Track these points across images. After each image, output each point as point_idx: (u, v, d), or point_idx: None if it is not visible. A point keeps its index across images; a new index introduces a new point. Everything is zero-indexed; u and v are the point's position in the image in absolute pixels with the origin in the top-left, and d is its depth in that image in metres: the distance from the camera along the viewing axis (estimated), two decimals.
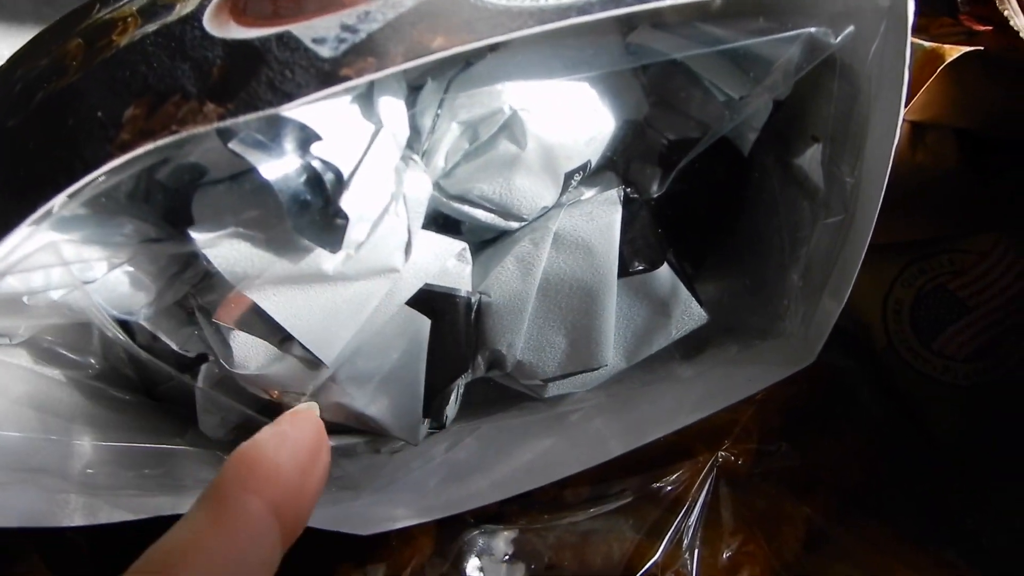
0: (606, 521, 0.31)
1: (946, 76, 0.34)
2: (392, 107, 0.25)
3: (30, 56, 0.33)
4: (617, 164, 0.30)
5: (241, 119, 0.20)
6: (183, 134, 0.20)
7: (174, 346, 0.28)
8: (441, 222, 0.29)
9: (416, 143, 0.27)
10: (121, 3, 0.32)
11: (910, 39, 0.24)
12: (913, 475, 0.37)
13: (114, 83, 0.25)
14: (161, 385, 0.30)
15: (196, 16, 0.27)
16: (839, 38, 0.24)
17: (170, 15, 0.28)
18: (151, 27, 0.28)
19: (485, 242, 0.30)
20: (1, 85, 0.33)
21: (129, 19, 0.30)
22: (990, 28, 0.44)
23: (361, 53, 0.21)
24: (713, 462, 0.32)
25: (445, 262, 0.28)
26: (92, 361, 0.29)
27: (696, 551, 0.30)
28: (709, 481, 0.31)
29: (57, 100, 0.27)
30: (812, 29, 0.24)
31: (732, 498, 0.32)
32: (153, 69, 0.25)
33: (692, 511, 0.31)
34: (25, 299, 0.25)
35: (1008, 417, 0.37)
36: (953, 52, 0.34)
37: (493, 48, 0.26)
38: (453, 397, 0.29)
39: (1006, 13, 0.40)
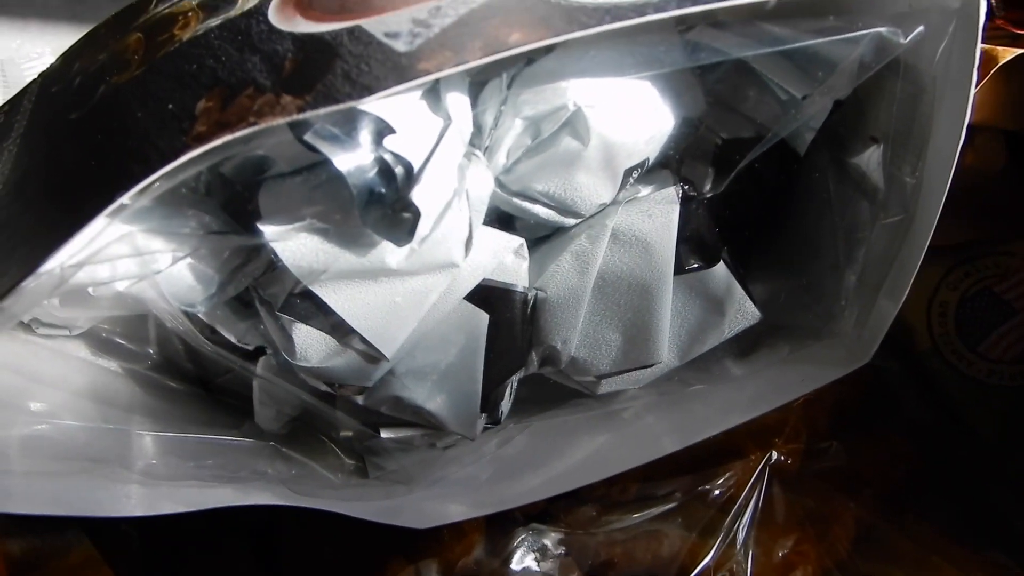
0: (656, 522, 0.31)
1: (998, 78, 0.34)
2: (459, 103, 0.25)
3: (86, 51, 0.33)
4: (672, 161, 0.30)
5: (321, 111, 0.20)
6: (262, 125, 0.21)
7: (232, 339, 0.28)
8: (495, 216, 0.29)
9: (478, 139, 0.27)
10: None
11: (980, 40, 0.23)
12: (959, 476, 0.37)
13: (181, 76, 0.25)
14: (218, 378, 0.30)
15: (260, 10, 0.27)
16: (908, 39, 0.24)
17: (232, 9, 0.28)
18: (214, 21, 0.28)
19: (540, 238, 0.30)
20: (57, 81, 0.33)
21: (190, 13, 0.30)
22: None
23: (437, 47, 0.21)
24: (766, 461, 0.32)
25: (503, 258, 0.28)
26: (150, 351, 0.30)
27: (750, 551, 0.30)
28: (761, 482, 0.31)
29: (123, 93, 0.27)
30: (881, 29, 0.24)
31: (784, 497, 0.32)
32: (222, 63, 0.25)
33: (745, 511, 0.31)
34: (90, 290, 0.25)
35: None
36: (1007, 54, 0.34)
37: (556, 44, 0.26)
38: (508, 392, 0.29)
39: None
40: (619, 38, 0.21)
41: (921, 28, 0.24)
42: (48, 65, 0.47)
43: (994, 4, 0.47)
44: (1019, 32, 0.45)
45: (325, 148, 0.22)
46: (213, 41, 0.26)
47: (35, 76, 0.47)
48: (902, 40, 0.24)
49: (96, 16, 0.55)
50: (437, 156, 0.24)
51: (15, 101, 0.35)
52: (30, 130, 0.30)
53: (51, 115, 0.30)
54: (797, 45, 0.24)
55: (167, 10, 0.32)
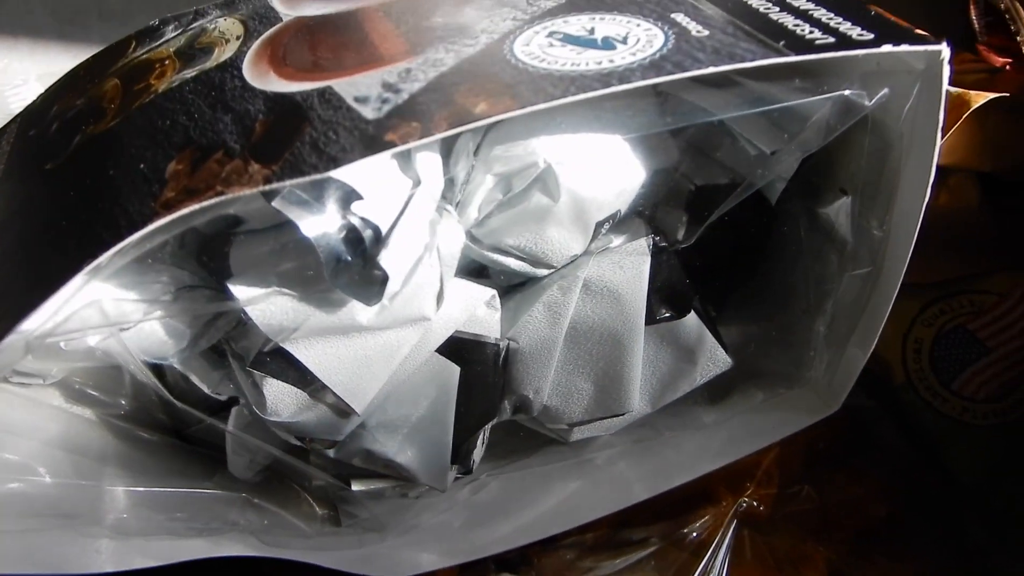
0: (632, 569, 0.31)
1: (971, 121, 0.34)
2: (429, 162, 0.25)
3: (65, 94, 0.33)
4: (645, 210, 0.30)
5: (288, 183, 0.20)
6: (229, 195, 0.21)
7: (205, 389, 0.28)
8: (467, 267, 0.30)
9: (449, 193, 0.27)
10: (158, 43, 0.32)
11: (944, 102, 0.24)
12: (934, 514, 0.37)
13: (155, 132, 0.25)
14: (191, 427, 0.30)
15: (235, 63, 0.27)
16: (873, 100, 0.24)
17: (208, 60, 0.29)
18: (189, 72, 0.28)
19: (512, 287, 0.30)
20: (36, 122, 0.33)
21: (167, 61, 0.30)
22: (1010, 61, 0.45)
23: (405, 116, 0.21)
24: (736, 507, 0.32)
25: (475, 310, 0.28)
26: (123, 402, 0.30)
27: None
28: (733, 526, 0.32)
29: (97, 146, 0.27)
30: (847, 92, 0.24)
31: (754, 541, 0.32)
32: (194, 120, 0.25)
33: (717, 555, 0.31)
34: (62, 344, 0.26)
35: None
36: (979, 98, 0.34)
37: None
38: (480, 442, 0.30)
39: (1020, 41, 0.40)
40: (586, 104, 0.21)
41: (886, 90, 0.24)
42: (30, 101, 0.48)
43: (976, 29, 0.47)
44: (999, 61, 0.45)
45: (293, 214, 0.22)
46: (187, 95, 0.27)
47: (18, 103, 0.48)
48: (867, 102, 0.24)
49: (86, 37, 0.55)
50: (406, 218, 0.24)
51: None
52: (7, 174, 0.30)
53: (28, 161, 0.30)
54: (768, 108, 0.24)
55: (145, 55, 0.32)
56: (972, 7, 0.46)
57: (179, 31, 0.33)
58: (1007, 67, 0.44)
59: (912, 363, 0.40)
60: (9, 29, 0.52)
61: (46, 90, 0.35)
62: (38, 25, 0.53)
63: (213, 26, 0.31)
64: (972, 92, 0.35)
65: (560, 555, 0.32)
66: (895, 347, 0.40)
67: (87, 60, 0.35)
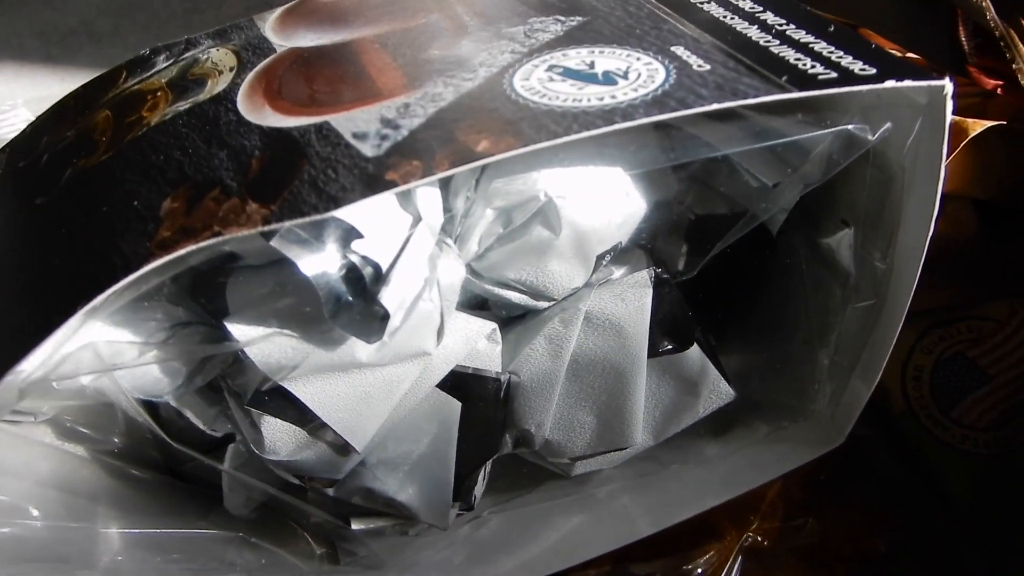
0: None
1: (968, 149, 0.34)
2: (429, 197, 0.25)
3: (55, 124, 0.33)
4: (646, 243, 0.30)
5: (287, 224, 0.20)
6: (227, 236, 0.20)
7: (201, 426, 0.28)
8: (467, 300, 0.29)
9: (449, 226, 0.27)
10: (149, 73, 0.32)
11: (948, 136, 0.24)
12: (933, 543, 0.36)
13: (148, 168, 0.25)
14: (185, 465, 0.30)
15: (229, 96, 0.27)
16: (876, 135, 0.24)
17: (202, 92, 0.28)
18: (183, 105, 0.28)
19: (512, 320, 0.30)
20: (24, 153, 0.32)
21: (159, 92, 0.30)
22: (1001, 84, 0.45)
23: (405, 154, 0.21)
24: (742, 542, 0.32)
25: (476, 343, 0.28)
26: (115, 440, 0.29)
27: None
28: (738, 561, 0.31)
29: (89, 181, 0.27)
30: (850, 126, 0.24)
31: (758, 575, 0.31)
32: (189, 155, 0.25)
33: None
34: (54, 384, 0.25)
35: None
36: (976, 127, 0.34)
37: None
38: (481, 477, 0.29)
39: (1016, 68, 0.40)
40: (589, 141, 0.21)
41: (889, 124, 0.24)
42: (21, 122, 0.47)
43: (967, 50, 0.47)
44: (990, 84, 0.45)
45: (292, 253, 0.22)
46: (181, 129, 0.26)
47: (5, 128, 0.47)
48: (870, 136, 0.24)
49: (72, 60, 0.55)
50: (407, 254, 0.23)
51: None
52: None
53: (17, 194, 0.30)
54: (766, 144, 0.24)
55: (136, 86, 0.31)
56: (961, 29, 0.47)
57: (171, 61, 0.32)
58: (999, 90, 0.44)
59: (912, 391, 0.39)
60: None
61: (35, 120, 0.35)
62: (25, 48, 0.53)
63: (205, 56, 0.31)
64: (969, 120, 0.35)
65: None
66: (895, 375, 0.40)
67: (77, 90, 0.34)
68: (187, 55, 0.32)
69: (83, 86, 0.34)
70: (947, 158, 0.30)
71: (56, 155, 0.30)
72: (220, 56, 0.30)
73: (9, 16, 0.52)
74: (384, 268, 0.23)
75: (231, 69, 0.29)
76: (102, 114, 0.31)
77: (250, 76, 0.28)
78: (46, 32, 0.53)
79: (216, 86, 0.28)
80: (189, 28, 0.33)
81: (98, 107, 0.31)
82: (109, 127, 0.29)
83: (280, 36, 0.31)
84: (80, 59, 0.53)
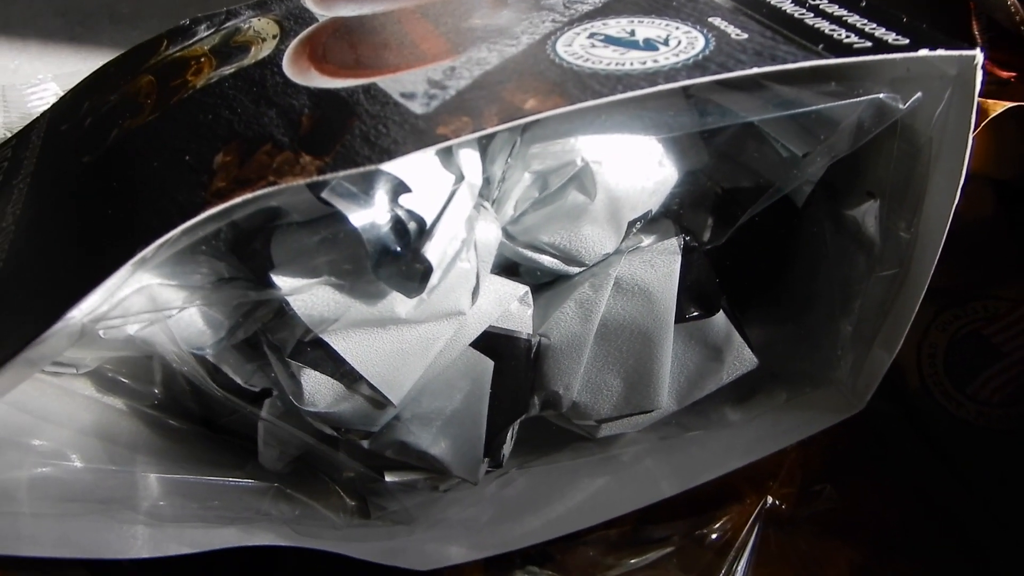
0: (654, 566, 0.31)
1: (988, 130, 0.35)
2: (471, 159, 0.25)
3: (96, 90, 0.34)
4: (674, 211, 0.31)
5: (341, 174, 0.21)
6: (282, 185, 0.21)
7: (239, 381, 0.28)
8: (500, 264, 0.30)
9: (486, 190, 0.27)
10: (191, 41, 0.32)
11: (976, 107, 0.24)
12: (949, 518, 0.37)
13: (197, 126, 0.26)
14: (222, 418, 0.31)
15: (275, 61, 0.28)
16: (906, 104, 0.25)
17: (246, 58, 0.29)
18: (228, 69, 0.28)
19: (543, 285, 0.31)
20: (67, 117, 0.33)
21: (203, 59, 0.30)
22: (1015, 75, 0.45)
23: (454, 111, 0.22)
24: (761, 505, 0.32)
25: (508, 305, 0.28)
26: (155, 391, 0.30)
27: None
28: (758, 524, 0.32)
29: (137, 139, 0.27)
30: (881, 95, 0.25)
31: (778, 541, 0.32)
32: (237, 114, 0.25)
33: (741, 555, 0.31)
34: (101, 333, 0.26)
35: None
36: (997, 107, 0.35)
37: None
38: (510, 436, 0.30)
39: None
40: (630, 103, 0.22)
41: (919, 94, 0.25)
42: (52, 96, 0.48)
43: (980, 43, 0.48)
44: (1005, 76, 0.46)
45: (342, 205, 0.23)
46: (228, 91, 0.27)
47: (37, 102, 0.48)
48: (900, 106, 0.25)
49: (95, 39, 0.56)
50: (449, 211, 0.24)
51: (23, 135, 0.35)
52: (40, 168, 0.31)
53: (62, 155, 0.30)
54: (799, 111, 0.25)
55: (179, 53, 0.32)
56: (975, 23, 0.47)
57: (212, 30, 0.33)
58: (1013, 80, 0.45)
59: (927, 368, 0.40)
60: (20, 31, 0.53)
61: (74, 87, 0.36)
62: (48, 28, 0.53)
63: (247, 25, 0.32)
64: (991, 101, 0.36)
65: (583, 552, 0.32)
66: (910, 353, 0.41)
67: (116, 58, 0.35)
68: (228, 24, 0.33)
69: (122, 55, 0.35)
70: (975, 133, 0.31)
71: (101, 117, 0.31)
72: (262, 25, 0.31)
73: None
74: (428, 223, 0.24)
75: (274, 37, 0.30)
76: (145, 79, 0.31)
77: (294, 43, 0.29)
78: (69, 12, 0.54)
79: (260, 52, 0.29)
80: (207, 11, 0.34)
81: (140, 73, 0.32)
82: (153, 91, 0.30)
83: (321, 7, 0.31)
84: (103, 39, 0.54)
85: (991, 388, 0.39)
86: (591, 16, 0.26)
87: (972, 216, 0.40)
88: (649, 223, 0.30)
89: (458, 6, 0.29)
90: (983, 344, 0.40)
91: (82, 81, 0.35)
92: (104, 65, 0.35)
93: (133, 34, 0.53)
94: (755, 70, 0.22)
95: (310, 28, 0.30)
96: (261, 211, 0.26)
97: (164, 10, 0.54)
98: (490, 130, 0.21)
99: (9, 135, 0.37)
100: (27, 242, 0.26)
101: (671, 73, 0.22)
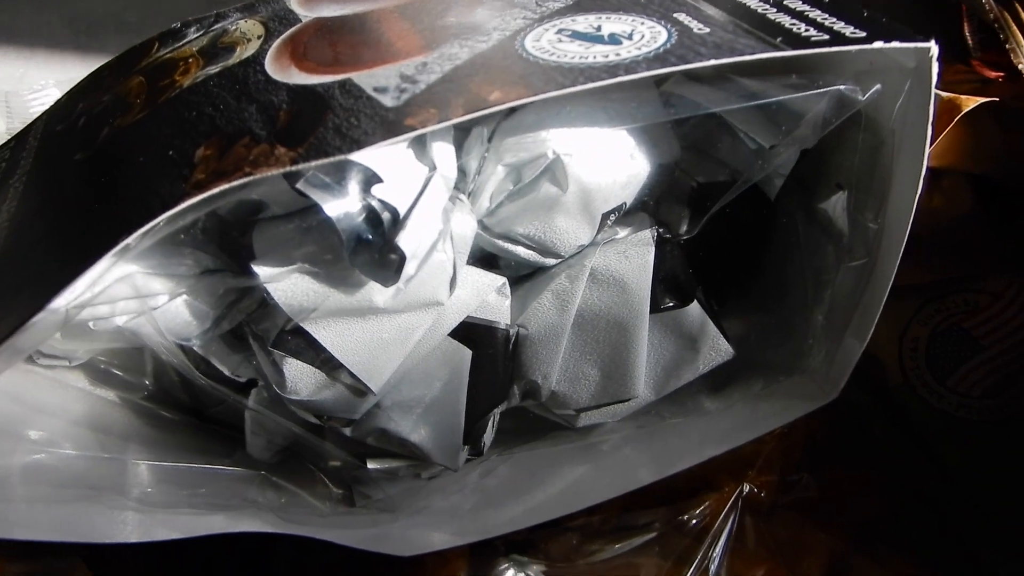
0: (635, 553, 0.32)
1: (962, 125, 0.36)
2: (444, 151, 0.26)
3: (90, 92, 0.35)
4: (649, 205, 0.31)
5: (313, 164, 0.22)
6: (257, 176, 0.22)
7: (226, 371, 0.29)
8: (479, 256, 0.31)
9: (462, 183, 0.28)
10: (180, 43, 0.33)
11: (934, 98, 0.25)
12: (930, 508, 0.38)
13: (182, 123, 0.27)
14: (211, 408, 0.31)
15: (258, 60, 0.29)
16: (866, 96, 0.26)
17: (231, 57, 0.30)
18: (213, 69, 0.29)
19: (521, 277, 0.32)
20: (63, 118, 0.34)
21: (190, 59, 0.31)
22: (1002, 75, 0.46)
23: (422, 104, 0.23)
24: (738, 494, 0.33)
25: (486, 296, 0.29)
26: (145, 383, 0.31)
27: None
28: (734, 512, 0.33)
29: (126, 136, 0.28)
30: (841, 87, 0.25)
31: (756, 528, 0.33)
32: (220, 111, 0.26)
33: (718, 541, 0.32)
34: (91, 324, 0.27)
35: (1022, 453, 0.38)
36: (969, 103, 0.36)
37: None
38: (490, 425, 0.31)
39: (1020, 66, 0.42)
40: (594, 95, 0.23)
41: (879, 86, 0.26)
42: (53, 102, 0.49)
43: (971, 45, 0.48)
44: (992, 76, 0.46)
45: (316, 195, 0.23)
46: (212, 89, 0.28)
47: (39, 108, 0.49)
48: (860, 97, 0.26)
49: (101, 47, 0.57)
50: (423, 202, 0.25)
51: (21, 137, 0.37)
52: (36, 168, 0.32)
53: (56, 154, 0.31)
54: (761, 102, 0.25)
55: (168, 55, 0.33)
56: (965, 25, 0.48)
57: (201, 32, 0.34)
58: (999, 79, 0.45)
59: (909, 361, 0.41)
60: (27, 40, 0.54)
61: (70, 90, 0.37)
62: (56, 36, 0.54)
63: (235, 27, 0.33)
64: (963, 96, 0.36)
65: (566, 538, 0.33)
66: (892, 346, 0.41)
67: (110, 61, 0.36)
68: (216, 27, 0.34)
69: (116, 58, 0.36)
70: (941, 133, 0.31)
71: (93, 117, 0.32)
72: (248, 26, 0.32)
73: (41, 6, 0.54)
74: (402, 213, 0.24)
75: (259, 37, 0.31)
76: (136, 80, 0.32)
77: (277, 42, 0.30)
78: (76, 21, 0.55)
79: (245, 52, 0.30)
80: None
81: (132, 74, 0.33)
82: (143, 91, 0.31)
83: (305, 8, 0.32)
84: (108, 48, 0.55)
85: (971, 380, 0.40)
86: (562, 13, 0.27)
87: (951, 212, 0.40)
88: (625, 216, 0.31)
89: (435, 5, 0.30)
90: (964, 337, 0.40)
91: (78, 84, 0.37)
92: (99, 68, 0.36)
93: (138, 41, 0.54)
94: (712, 61, 0.23)
95: (293, 28, 0.31)
96: (244, 205, 0.27)
97: (170, 18, 0.55)
98: (455, 120, 0.22)
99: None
100: (18, 237, 0.27)
101: (631, 65, 0.23)
